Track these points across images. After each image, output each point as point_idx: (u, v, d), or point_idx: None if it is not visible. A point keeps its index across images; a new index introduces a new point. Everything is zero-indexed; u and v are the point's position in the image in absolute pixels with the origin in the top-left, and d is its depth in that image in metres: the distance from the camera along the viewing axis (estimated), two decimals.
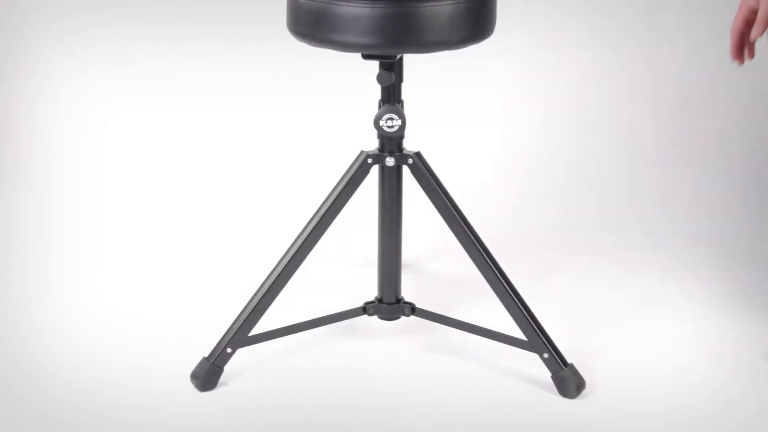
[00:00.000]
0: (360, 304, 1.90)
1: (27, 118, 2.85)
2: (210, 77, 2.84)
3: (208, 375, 1.79)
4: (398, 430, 1.70)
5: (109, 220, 2.53)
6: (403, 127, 1.77)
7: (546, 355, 1.77)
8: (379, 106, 1.78)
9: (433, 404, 1.76)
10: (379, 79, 1.74)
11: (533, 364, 1.81)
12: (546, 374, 1.78)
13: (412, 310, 1.89)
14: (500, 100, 2.81)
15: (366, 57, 1.71)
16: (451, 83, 2.81)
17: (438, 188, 1.80)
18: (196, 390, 1.78)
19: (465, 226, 1.80)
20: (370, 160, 1.80)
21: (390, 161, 1.80)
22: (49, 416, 1.72)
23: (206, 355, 1.79)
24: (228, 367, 1.80)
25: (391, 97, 1.77)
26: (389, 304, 1.89)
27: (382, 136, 1.79)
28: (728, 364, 1.89)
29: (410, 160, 1.80)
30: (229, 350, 1.79)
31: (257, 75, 2.84)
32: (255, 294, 1.82)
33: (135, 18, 2.84)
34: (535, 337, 1.78)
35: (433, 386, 1.82)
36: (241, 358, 1.82)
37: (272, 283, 1.80)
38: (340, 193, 1.79)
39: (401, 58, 1.78)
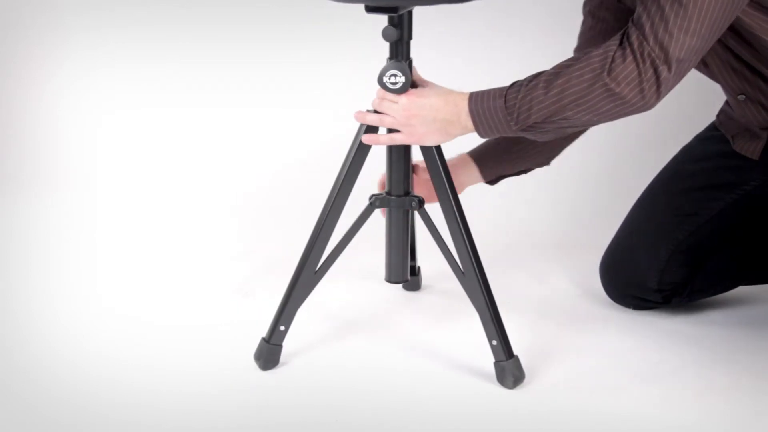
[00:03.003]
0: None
1: (27, 118, 2.86)
2: (210, 76, 2.85)
3: (268, 355, 1.83)
4: (397, 430, 1.70)
5: (110, 219, 2.53)
6: (407, 84, 1.73)
7: (494, 342, 1.78)
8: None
9: (433, 404, 1.76)
10: (384, 34, 1.70)
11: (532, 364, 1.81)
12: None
13: (420, 203, 1.82)
14: None
15: (369, 10, 1.66)
16: (452, 83, 2.81)
17: (435, 153, 1.77)
18: (196, 390, 1.78)
19: (452, 196, 1.76)
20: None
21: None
22: (49, 416, 1.72)
23: (264, 336, 1.83)
24: (228, 368, 1.80)
25: (399, 54, 1.73)
26: (398, 196, 1.83)
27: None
28: (722, 364, 1.89)
29: None
30: (282, 328, 1.82)
31: (257, 74, 2.85)
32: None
33: (135, 18, 2.85)
34: (489, 323, 1.77)
35: (434, 386, 1.82)
36: (242, 357, 1.82)
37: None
38: (355, 155, 1.77)
39: (410, 15, 1.73)
